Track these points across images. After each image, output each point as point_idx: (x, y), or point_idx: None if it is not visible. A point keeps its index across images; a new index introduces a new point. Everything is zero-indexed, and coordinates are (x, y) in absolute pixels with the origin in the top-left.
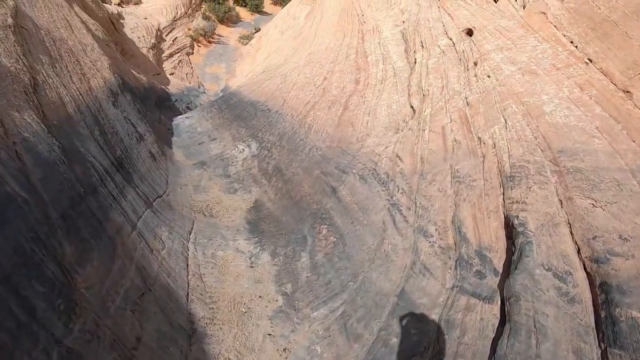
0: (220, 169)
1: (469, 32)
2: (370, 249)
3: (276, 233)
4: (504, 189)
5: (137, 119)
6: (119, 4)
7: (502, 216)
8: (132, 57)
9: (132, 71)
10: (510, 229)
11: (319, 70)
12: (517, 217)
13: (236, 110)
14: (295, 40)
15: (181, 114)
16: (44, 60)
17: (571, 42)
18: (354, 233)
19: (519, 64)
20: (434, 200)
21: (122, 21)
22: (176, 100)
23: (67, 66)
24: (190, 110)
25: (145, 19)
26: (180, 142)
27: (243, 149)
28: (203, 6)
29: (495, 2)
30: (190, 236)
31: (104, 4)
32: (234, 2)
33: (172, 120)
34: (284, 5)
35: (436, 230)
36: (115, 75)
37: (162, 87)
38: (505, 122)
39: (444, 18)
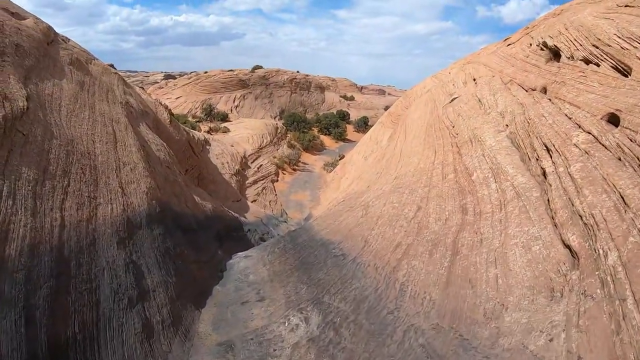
0: None
1: (613, 118)
2: None
3: None
4: None
5: (155, 263)
6: (208, 132)
7: None
8: (212, 183)
9: (196, 197)
10: None
11: (409, 198)
12: None
13: (302, 253)
14: (379, 164)
15: (251, 246)
16: (24, 174)
17: None
18: None
19: None
20: None
21: (207, 147)
22: (249, 230)
23: (67, 186)
24: (264, 242)
25: (232, 146)
26: (221, 296)
27: (297, 325)
28: (288, 135)
29: (627, 76)
30: None
31: (193, 130)
32: (319, 131)
33: (230, 258)
34: (366, 132)
35: None
36: (153, 201)
37: (236, 215)
38: None
39: (565, 109)
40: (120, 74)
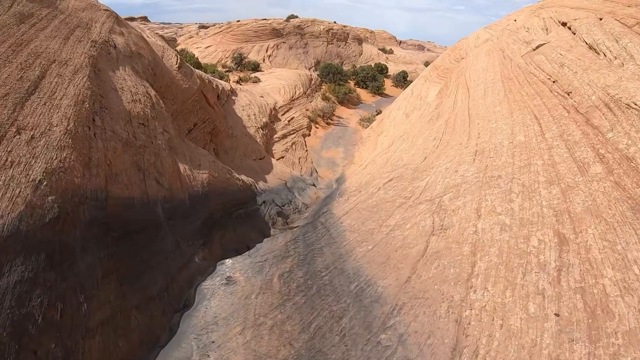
0: None
1: None
2: None
3: None
4: None
5: None
6: (237, 82)
7: None
8: (229, 138)
9: (183, 166)
10: None
11: (529, 206)
12: None
13: (316, 305)
14: (433, 125)
15: (262, 227)
16: None
17: None
18: None
19: None
20: None
21: (233, 98)
22: (264, 202)
23: None
24: (283, 218)
25: (262, 97)
26: None
27: None
28: (323, 87)
29: None
30: None
31: (217, 79)
32: (355, 84)
33: (214, 268)
34: (406, 87)
35: None
36: (49, 198)
37: (249, 182)
38: None
39: None
40: (120, 16)
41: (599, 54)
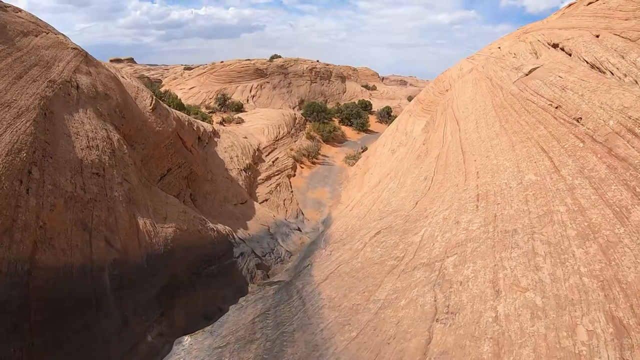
0: None
1: None
2: None
3: None
4: None
5: None
6: (220, 123)
7: None
8: (208, 183)
9: (143, 220)
10: None
11: (563, 289)
12: None
13: None
14: (422, 164)
15: (238, 284)
16: None
17: None
18: None
19: None
20: None
21: (216, 139)
22: (241, 254)
23: None
24: (263, 270)
25: (245, 138)
26: None
27: None
28: (307, 126)
29: None
30: None
31: (199, 121)
32: (340, 122)
33: (170, 346)
34: (390, 122)
35: None
36: None
37: (226, 232)
38: None
39: None
40: (102, 61)
41: (604, 72)
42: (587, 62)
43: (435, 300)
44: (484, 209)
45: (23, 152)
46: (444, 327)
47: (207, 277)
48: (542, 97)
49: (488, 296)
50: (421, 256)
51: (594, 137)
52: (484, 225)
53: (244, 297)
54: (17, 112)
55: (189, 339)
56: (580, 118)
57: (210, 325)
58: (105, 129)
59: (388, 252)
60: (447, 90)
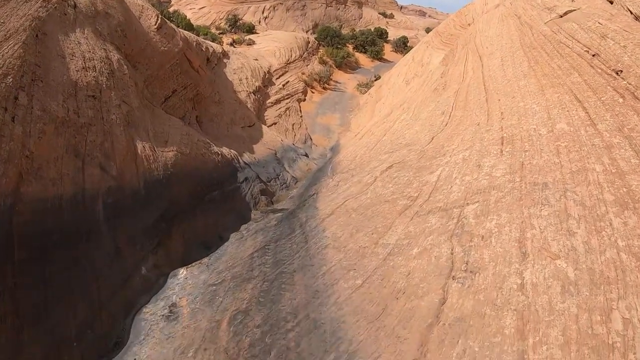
0: None
1: None
2: None
3: None
4: None
5: None
6: (231, 44)
7: None
8: (215, 104)
9: (141, 145)
10: None
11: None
12: None
13: (271, 355)
14: (440, 97)
15: (241, 210)
16: None
17: None
18: None
19: None
20: None
21: (225, 61)
22: (245, 179)
23: None
24: (267, 196)
25: (256, 60)
26: None
27: None
28: (320, 50)
29: None
30: None
31: (208, 42)
32: (354, 48)
33: (165, 278)
34: (406, 53)
35: None
36: None
37: (231, 155)
38: None
39: None
40: None
41: None
42: (632, 13)
43: (452, 254)
44: (509, 155)
45: (9, 77)
46: (462, 287)
47: (208, 203)
48: (578, 42)
49: (513, 258)
50: (437, 199)
51: (635, 94)
52: (509, 173)
53: (246, 225)
54: (5, 35)
55: (185, 272)
56: (621, 71)
57: (208, 257)
58: (105, 49)
59: (400, 189)
60: (469, 24)
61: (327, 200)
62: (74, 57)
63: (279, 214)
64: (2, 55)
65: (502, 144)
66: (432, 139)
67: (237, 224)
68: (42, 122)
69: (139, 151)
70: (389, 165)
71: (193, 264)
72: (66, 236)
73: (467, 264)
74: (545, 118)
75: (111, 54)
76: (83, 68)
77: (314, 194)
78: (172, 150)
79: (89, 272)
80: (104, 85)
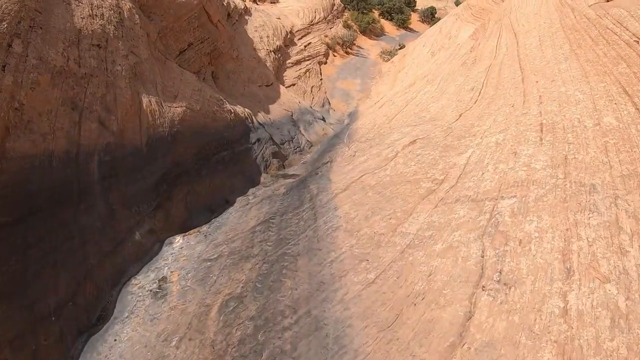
0: None
1: None
2: None
3: None
4: None
5: None
6: (254, 1)
7: None
8: (233, 61)
9: (148, 98)
10: None
11: None
12: None
13: (262, 357)
14: (469, 72)
15: (250, 173)
16: None
17: None
18: None
19: None
20: None
21: (246, 17)
22: (257, 140)
23: None
24: (279, 160)
25: (278, 19)
26: None
27: None
28: (345, 14)
29: None
30: None
31: None
32: (380, 15)
33: (160, 246)
34: (433, 24)
35: None
36: None
37: (244, 114)
38: None
39: None
40: None
41: None
42: None
43: (482, 257)
44: (550, 145)
45: (4, 23)
46: (493, 302)
47: (216, 164)
48: (627, 29)
49: (556, 273)
50: (466, 186)
51: None
52: (551, 167)
53: (254, 190)
54: None
55: (181, 241)
56: None
57: (207, 225)
58: None
59: (424, 169)
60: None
61: (342, 172)
62: (80, 4)
63: (290, 180)
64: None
65: (542, 131)
66: (460, 115)
67: (245, 187)
68: (36, 71)
69: (144, 105)
70: (411, 140)
71: (191, 231)
72: (54, 197)
73: (500, 273)
74: (591, 109)
75: (122, 2)
76: (89, 15)
77: (328, 162)
78: (181, 106)
79: (77, 238)
80: (111, 35)
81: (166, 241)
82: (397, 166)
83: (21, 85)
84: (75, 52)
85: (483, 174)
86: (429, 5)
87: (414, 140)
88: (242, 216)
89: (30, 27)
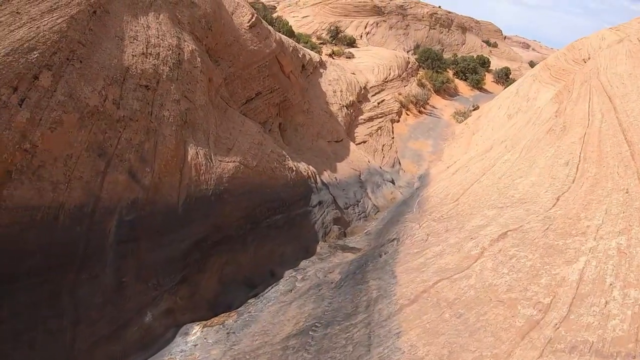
0: None
1: None
2: None
3: None
4: None
5: None
6: (330, 55)
7: None
8: (303, 114)
9: (196, 150)
10: None
11: None
12: None
13: None
14: (560, 142)
15: (312, 241)
16: None
17: None
18: None
19: None
20: None
21: (321, 70)
22: (319, 203)
23: None
24: (341, 227)
25: (353, 74)
26: None
27: None
28: (420, 72)
29: None
30: None
31: (306, 49)
32: (454, 74)
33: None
34: (508, 85)
35: None
36: None
37: (304, 175)
38: None
39: None
40: None
41: None
42: None
43: None
44: None
45: (35, 52)
46: None
47: (267, 229)
48: None
49: None
50: (584, 322)
51: None
52: None
53: (306, 262)
54: (51, 7)
55: (198, 334)
56: None
57: (235, 318)
58: (178, 37)
59: (522, 284)
60: (584, 60)
61: (411, 266)
62: (135, 40)
63: (348, 255)
64: (38, 28)
65: None
66: (558, 199)
67: (298, 257)
68: (62, 109)
69: (189, 158)
70: (501, 232)
71: (214, 321)
72: (51, 260)
73: None
74: None
75: (185, 43)
76: (142, 54)
77: (394, 240)
78: (234, 161)
79: (68, 315)
80: (164, 76)
81: (182, 329)
82: (484, 273)
83: (38, 124)
84: (117, 92)
85: (607, 303)
86: (504, 66)
87: (505, 233)
88: (278, 313)
89: (67, 59)
